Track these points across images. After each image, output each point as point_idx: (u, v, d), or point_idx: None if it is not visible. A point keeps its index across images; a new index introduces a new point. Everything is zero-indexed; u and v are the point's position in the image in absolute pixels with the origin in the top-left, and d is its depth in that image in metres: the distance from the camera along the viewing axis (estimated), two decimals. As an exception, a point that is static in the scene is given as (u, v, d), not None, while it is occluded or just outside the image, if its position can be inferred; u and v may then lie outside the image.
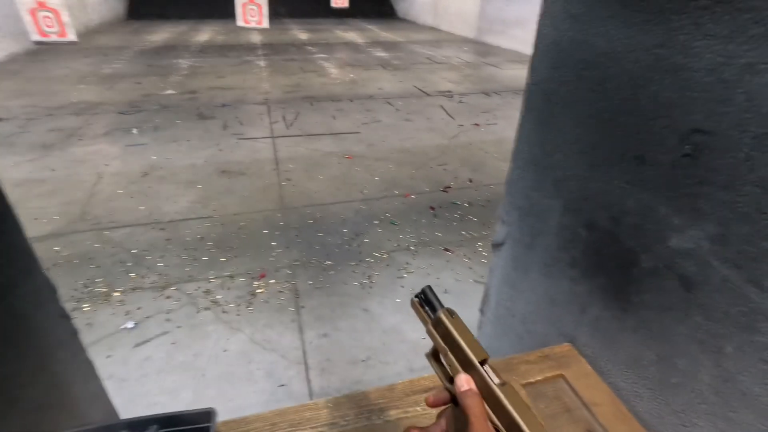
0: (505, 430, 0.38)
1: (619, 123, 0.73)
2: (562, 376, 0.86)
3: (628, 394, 0.79)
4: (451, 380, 0.45)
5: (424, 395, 0.82)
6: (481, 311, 1.35)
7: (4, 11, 7.36)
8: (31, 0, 4.46)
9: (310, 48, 9.57)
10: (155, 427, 0.64)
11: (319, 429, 0.75)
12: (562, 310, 0.96)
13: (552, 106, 0.89)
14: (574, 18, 0.79)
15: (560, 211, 0.91)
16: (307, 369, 1.85)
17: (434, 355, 0.49)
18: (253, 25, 6.07)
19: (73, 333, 0.95)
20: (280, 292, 2.29)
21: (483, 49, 9.95)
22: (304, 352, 1.92)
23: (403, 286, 2.35)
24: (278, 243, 2.69)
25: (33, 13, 4.55)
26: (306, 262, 2.53)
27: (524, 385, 0.84)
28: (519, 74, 7.41)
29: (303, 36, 11.29)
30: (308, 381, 1.79)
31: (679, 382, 0.67)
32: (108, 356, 1.87)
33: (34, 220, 2.81)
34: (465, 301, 2.23)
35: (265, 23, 5.96)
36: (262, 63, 7.86)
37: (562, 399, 0.82)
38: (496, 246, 1.19)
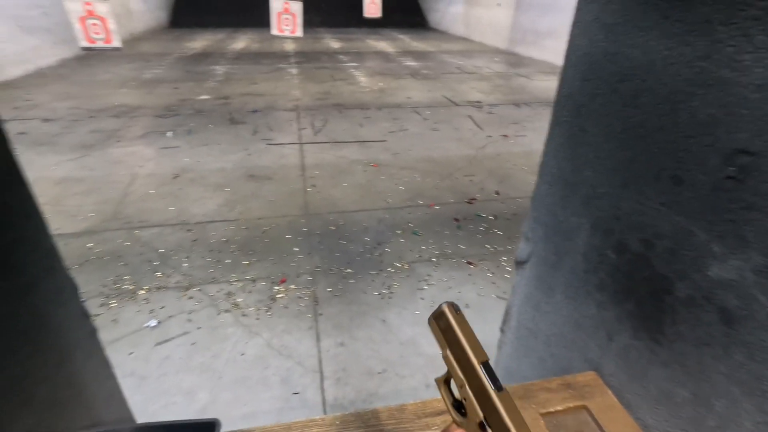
0: None
1: (654, 140, 0.68)
2: (585, 407, 0.81)
3: (658, 433, 0.73)
4: (459, 410, 0.44)
5: (436, 418, 0.78)
6: (502, 330, 1.30)
7: (57, 19, 7.83)
8: (81, 9, 4.71)
9: (341, 57, 9.71)
10: (159, 435, 0.64)
11: (325, 447, 0.72)
12: (587, 335, 0.90)
13: (583, 120, 0.85)
14: (608, 28, 0.74)
15: (588, 231, 0.86)
16: (322, 378, 1.83)
17: (446, 382, 0.46)
18: (287, 34, 6.19)
19: (92, 332, 0.97)
20: (300, 298, 2.29)
21: (514, 60, 9.83)
22: (320, 361, 1.91)
23: (423, 298, 2.31)
24: (300, 249, 2.70)
25: (82, 21, 4.80)
26: (327, 269, 2.52)
27: (543, 415, 0.79)
28: (550, 85, 7.26)
29: (335, 45, 11.48)
30: (323, 390, 1.78)
31: (717, 425, 0.61)
32: (130, 353, 1.91)
33: (71, 217, 2.94)
34: (486, 316, 2.16)
35: (299, 32, 6.07)
36: (293, 70, 8.03)
37: (585, 432, 0.77)
38: (519, 264, 1.15)
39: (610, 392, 0.83)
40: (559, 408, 0.80)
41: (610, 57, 0.75)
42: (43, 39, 7.68)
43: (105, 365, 1.03)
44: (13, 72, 6.87)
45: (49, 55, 7.81)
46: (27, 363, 0.75)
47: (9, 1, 6.96)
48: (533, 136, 4.80)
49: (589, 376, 0.87)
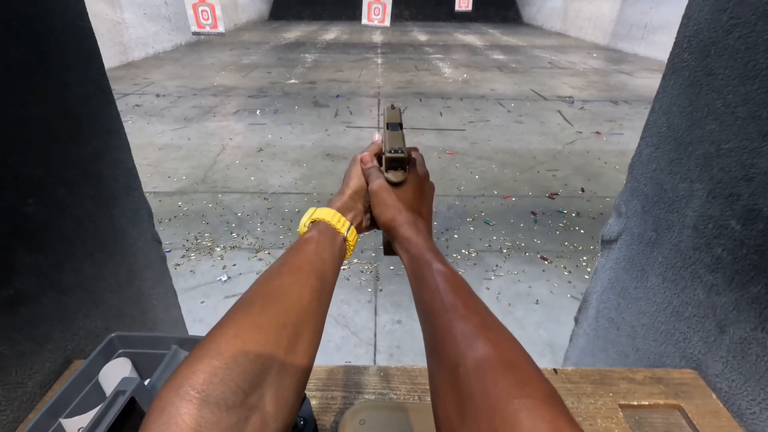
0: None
1: (820, 69, 0.52)
2: (679, 407, 0.66)
3: (781, 451, 0.57)
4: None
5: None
6: (576, 320, 1.15)
7: (175, 9, 8.72)
8: (195, -4, 5.16)
9: (427, 48, 9.63)
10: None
11: (367, 393, 0.67)
12: (688, 326, 0.75)
13: (710, 61, 0.69)
14: (763, -66, 0.59)
15: (703, 198, 0.71)
16: (375, 351, 1.80)
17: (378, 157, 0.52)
18: (375, 23, 6.23)
19: (162, 258, 1.02)
20: (362, 272, 2.28)
21: (615, 56, 8.99)
22: (376, 335, 1.88)
23: (488, 288, 2.17)
24: (367, 226, 2.69)
25: (195, 7, 5.26)
26: (391, 248, 2.49)
27: (623, 407, 0.66)
28: (656, 84, 6.50)
29: (422, 37, 11.42)
30: (375, 364, 1.74)
31: None
32: (202, 302, 2.03)
33: (168, 179, 3.23)
34: (558, 317, 1.97)
35: (387, 21, 6.09)
36: (379, 60, 8.12)
37: (676, 435, 0.63)
38: (607, 243, 1.00)
39: (714, 396, 0.68)
40: (645, 402, 0.67)
41: (762, -28, 0.59)
42: (162, 26, 8.60)
43: (172, 293, 1.08)
44: (137, 54, 7.79)
45: (165, 41, 8.73)
46: (101, 268, 0.80)
47: (139, -8, 7.88)
48: (631, 136, 4.33)
49: (686, 374, 0.72)
